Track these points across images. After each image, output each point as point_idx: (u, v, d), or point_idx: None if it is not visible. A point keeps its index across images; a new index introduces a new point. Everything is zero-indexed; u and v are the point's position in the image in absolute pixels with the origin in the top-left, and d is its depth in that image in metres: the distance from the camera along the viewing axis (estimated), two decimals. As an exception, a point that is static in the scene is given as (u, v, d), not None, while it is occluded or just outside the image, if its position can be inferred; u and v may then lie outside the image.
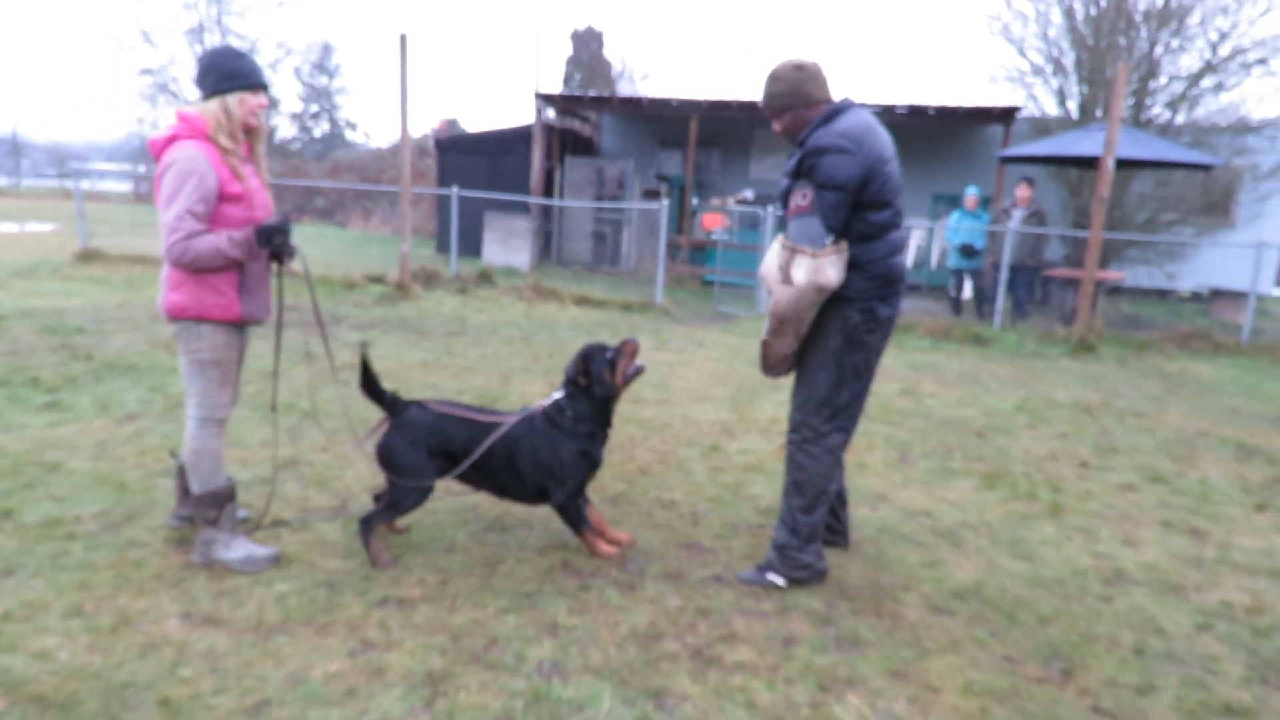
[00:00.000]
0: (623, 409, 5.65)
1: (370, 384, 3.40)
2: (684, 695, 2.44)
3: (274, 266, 3.27)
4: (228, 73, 3.00)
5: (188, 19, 37.38)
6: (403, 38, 9.92)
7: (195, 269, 2.96)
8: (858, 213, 2.99)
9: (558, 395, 3.39)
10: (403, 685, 2.41)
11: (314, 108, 43.48)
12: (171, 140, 2.96)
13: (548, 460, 3.26)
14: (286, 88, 43.17)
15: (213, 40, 37.71)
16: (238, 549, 3.13)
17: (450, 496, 3.93)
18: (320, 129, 44.06)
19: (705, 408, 5.86)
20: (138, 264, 11.67)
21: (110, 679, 2.39)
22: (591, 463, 3.35)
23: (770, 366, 3.29)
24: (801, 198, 2.99)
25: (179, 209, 2.86)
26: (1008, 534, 3.82)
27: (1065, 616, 3.05)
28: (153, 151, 3.00)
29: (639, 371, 3.35)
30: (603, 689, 2.44)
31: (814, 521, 3.21)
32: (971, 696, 2.51)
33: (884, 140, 3.05)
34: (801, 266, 2.94)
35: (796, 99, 3.09)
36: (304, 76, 42.54)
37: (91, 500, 3.64)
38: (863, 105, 3.12)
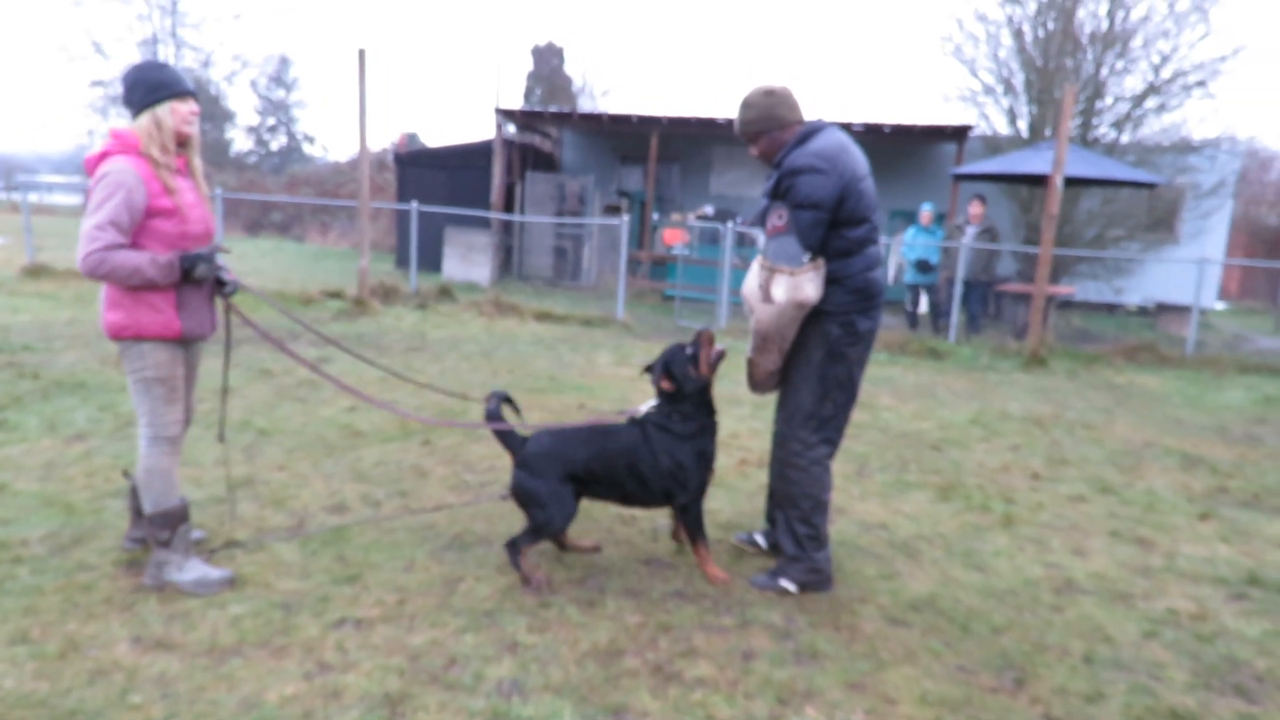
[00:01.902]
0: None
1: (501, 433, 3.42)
2: (644, 712, 2.45)
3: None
4: (154, 85, 2.96)
5: (141, 30, 36.74)
6: (361, 52, 9.88)
7: (112, 283, 2.90)
8: (835, 229, 3.09)
9: (653, 403, 3.41)
10: (360, 707, 2.39)
11: (271, 121, 42.97)
12: (103, 156, 2.92)
13: (668, 465, 3.27)
14: (243, 101, 42.72)
15: (167, 52, 37.23)
16: (190, 571, 3.07)
17: (408, 515, 3.90)
18: (277, 142, 43.54)
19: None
20: (87, 280, 11.45)
21: (58, 707, 2.33)
22: (708, 460, 3.36)
23: (757, 384, 3.41)
24: (778, 219, 3.09)
25: (100, 219, 2.80)
26: (962, 545, 3.89)
27: (1017, 626, 3.11)
28: (87, 168, 2.95)
29: (721, 356, 3.34)
30: (563, 707, 2.44)
31: (815, 529, 3.29)
32: (927, 707, 2.55)
33: (858, 158, 3.16)
34: (781, 285, 3.06)
35: (770, 123, 3.20)
36: (260, 90, 42.06)
37: (38, 522, 3.55)
38: (833, 127, 3.24)
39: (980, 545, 3.91)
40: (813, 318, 3.15)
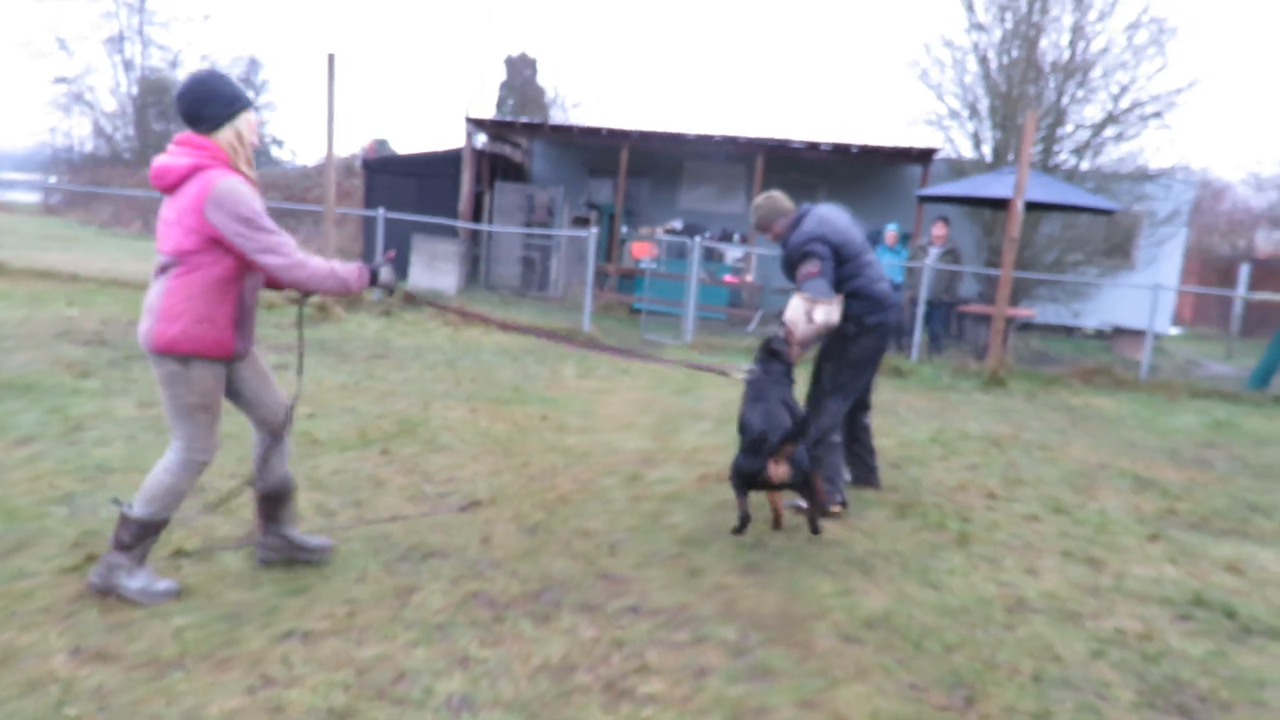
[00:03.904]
0: (546, 436, 5.63)
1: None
2: (594, 728, 2.42)
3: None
4: (230, 97, 2.92)
5: (107, 28, 36.12)
6: (331, 57, 9.80)
7: (308, 288, 2.98)
8: (842, 266, 4.49)
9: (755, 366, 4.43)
10: (304, 722, 2.34)
11: (239, 123, 42.36)
12: (197, 169, 2.83)
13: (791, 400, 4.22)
14: (210, 102, 42.01)
15: (134, 50, 36.64)
16: (138, 578, 2.99)
17: (363, 525, 3.84)
18: (245, 145, 42.91)
19: (628, 436, 5.86)
20: (43, 279, 11.20)
21: (-14, 720, 2.25)
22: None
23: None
24: (812, 266, 4.41)
25: (278, 234, 2.84)
26: (917, 563, 3.91)
27: (969, 644, 3.13)
28: (167, 177, 2.84)
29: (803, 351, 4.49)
30: (512, 723, 2.40)
31: (832, 464, 4.59)
32: (877, 725, 2.55)
33: (836, 218, 4.60)
34: (821, 311, 4.37)
35: (775, 214, 4.71)
36: (228, 91, 41.45)
37: (-23, 528, 3.44)
38: (813, 205, 4.71)
39: (935, 563, 3.93)
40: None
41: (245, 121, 2.94)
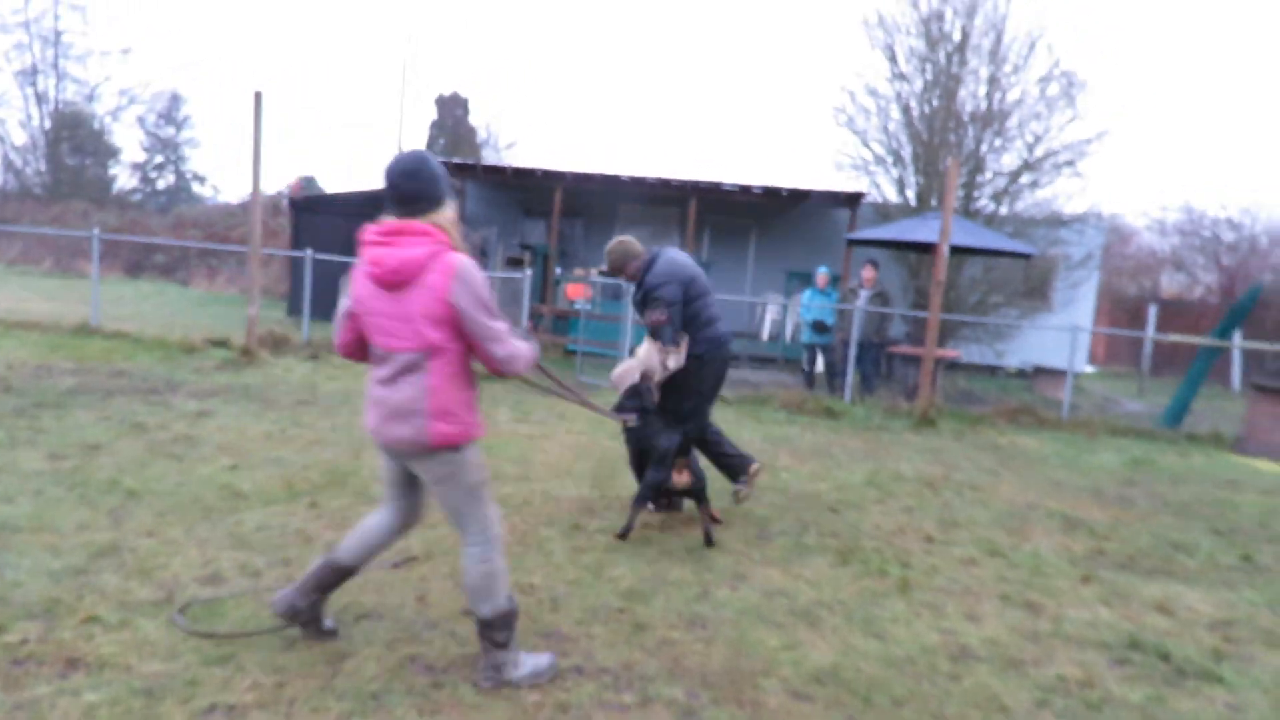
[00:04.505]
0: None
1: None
2: (541, 803, 2.31)
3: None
4: (446, 174, 2.85)
5: (19, 60, 34.89)
6: (258, 95, 9.60)
7: (511, 375, 2.89)
8: (689, 305, 4.99)
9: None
10: (228, 810, 2.17)
11: (158, 159, 41.25)
12: (434, 256, 2.70)
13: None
14: (128, 136, 40.94)
15: (48, 84, 35.49)
16: (525, 666, 2.99)
17: (289, 582, 3.65)
18: (164, 181, 41.78)
19: (566, 483, 5.77)
20: None
21: None
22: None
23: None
24: (661, 314, 4.87)
25: (503, 321, 2.80)
26: (861, 612, 3.90)
27: (917, 697, 3.11)
28: (405, 272, 2.68)
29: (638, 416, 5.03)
30: (454, 801, 2.28)
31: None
32: (831, 787, 2.50)
33: (684, 260, 5.10)
34: (673, 359, 4.89)
35: (628, 258, 5.12)
36: (149, 126, 40.39)
37: None
38: (663, 249, 5.17)
39: (879, 611, 3.93)
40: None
41: (452, 206, 2.87)
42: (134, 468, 5.15)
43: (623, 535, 4.65)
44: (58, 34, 35.43)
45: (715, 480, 5.24)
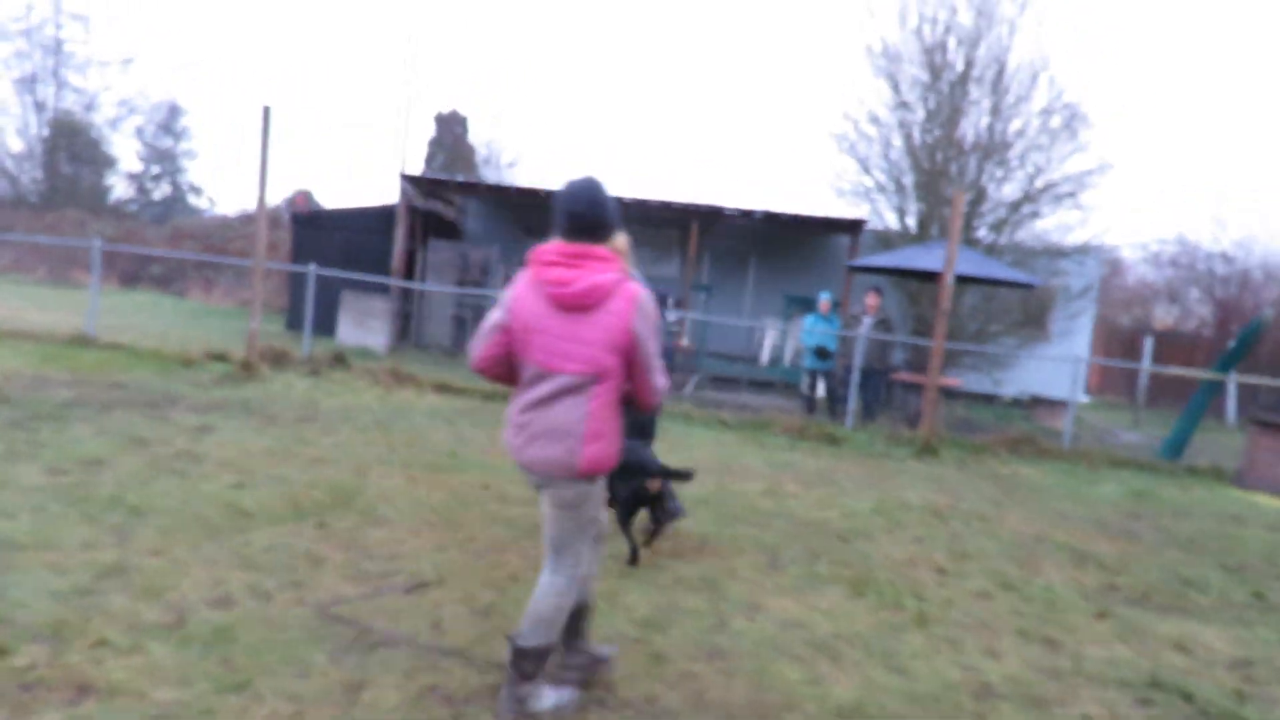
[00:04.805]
0: (489, 508, 5.43)
1: None
2: (571, 844, 2.25)
3: None
4: (616, 201, 2.88)
5: (19, 67, 34.85)
6: (266, 109, 9.59)
7: (655, 405, 2.92)
8: None
9: None
10: (250, 847, 2.10)
11: (155, 169, 41.15)
12: (622, 280, 2.75)
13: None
14: (125, 146, 40.86)
15: (48, 92, 35.44)
16: (548, 699, 2.93)
17: (303, 607, 3.59)
18: (161, 191, 41.68)
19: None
20: None
21: None
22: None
23: None
24: None
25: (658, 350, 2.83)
26: (880, 646, 3.85)
27: (944, 735, 3.06)
28: (593, 295, 2.70)
29: None
30: (482, 841, 2.21)
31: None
32: (865, 830, 2.44)
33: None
34: None
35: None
36: (147, 137, 40.33)
37: None
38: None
39: (898, 645, 3.88)
40: None
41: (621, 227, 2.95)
42: (136, 484, 5.07)
43: (632, 561, 4.61)
44: (59, 43, 35.49)
45: (733, 510, 5.19)
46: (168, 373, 9.27)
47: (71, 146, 35.28)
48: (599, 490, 2.91)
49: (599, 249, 2.76)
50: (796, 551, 5.20)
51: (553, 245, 2.78)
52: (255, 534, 4.45)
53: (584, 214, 2.76)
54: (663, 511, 4.88)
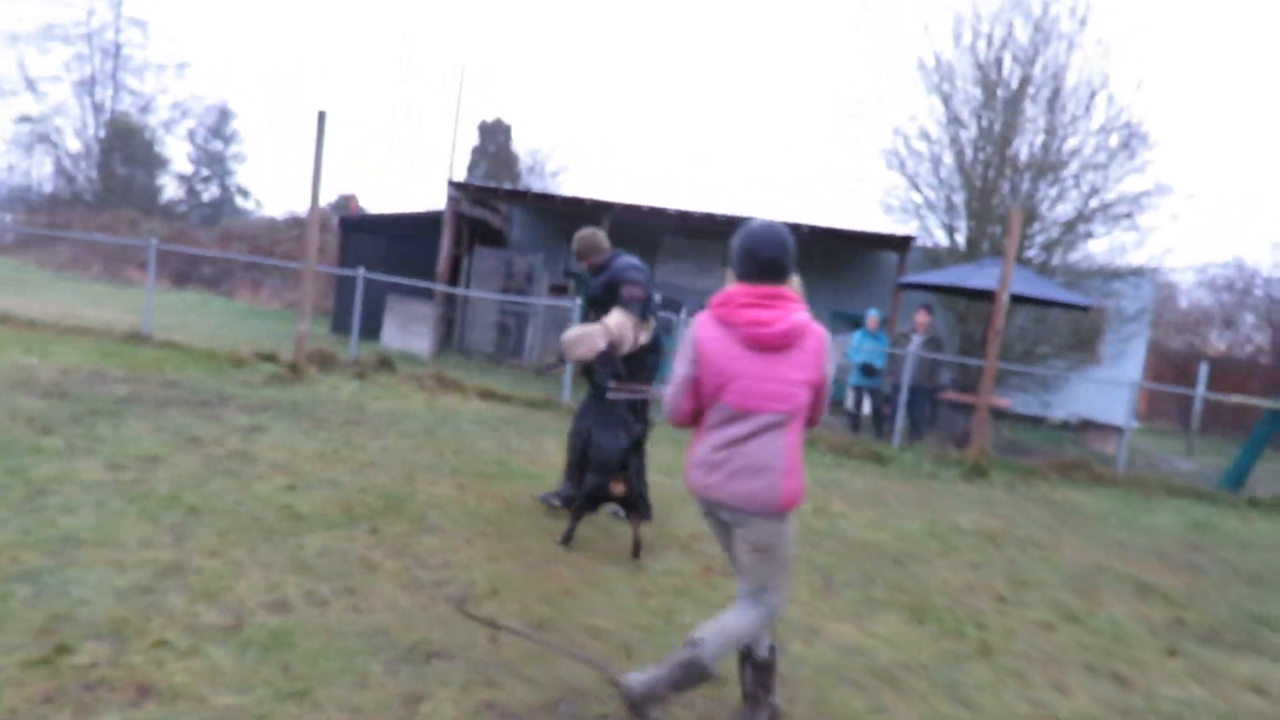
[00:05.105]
0: (539, 518, 5.38)
1: None
2: None
3: None
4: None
5: (79, 70, 35.80)
6: (321, 114, 9.70)
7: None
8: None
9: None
10: None
11: (205, 171, 41.99)
12: (809, 319, 2.86)
13: None
14: (177, 147, 41.76)
15: (105, 95, 36.33)
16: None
17: (356, 613, 3.56)
18: (209, 193, 42.51)
19: (621, 520, 5.64)
20: (-2, 322, 10.71)
21: None
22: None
23: (578, 358, 5.22)
24: (639, 291, 5.28)
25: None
26: (944, 676, 3.73)
27: (1017, 775, 2.94)
28: (793, 335, 2.80)
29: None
30: None
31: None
32: None
33: (644, 267, 5.51)
34: (645, 332, 5.38)
35: (598, 248, 5.60)
36: (198, 139, 41.19)
37: (-69, 609, 3.10)
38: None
39: (962, 676, 3.76)
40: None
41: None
42: (193, 483, 5.10)
43: (565, 541, 4.86)
44: (118, 46, 36.40)
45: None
46: (219, 372, 9.38)
47: (126, 147, 36.16)
48: (791, 526, 2.93)
49: (786, 290, 2.85)
50: (851, 574, 5.08)
51: (740, 289, 2.84)
52: (309, 537, 4.44)
53: (775, 258, 2.84)
54: (637, 515, 4.90)
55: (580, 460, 5.09)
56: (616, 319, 5.19)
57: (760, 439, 2.80)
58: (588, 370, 5.28)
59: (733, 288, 2.86)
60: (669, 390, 2.92)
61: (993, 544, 6.32)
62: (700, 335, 2.85)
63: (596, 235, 5.62)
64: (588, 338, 5.11)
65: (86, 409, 6.66)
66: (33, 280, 19.50)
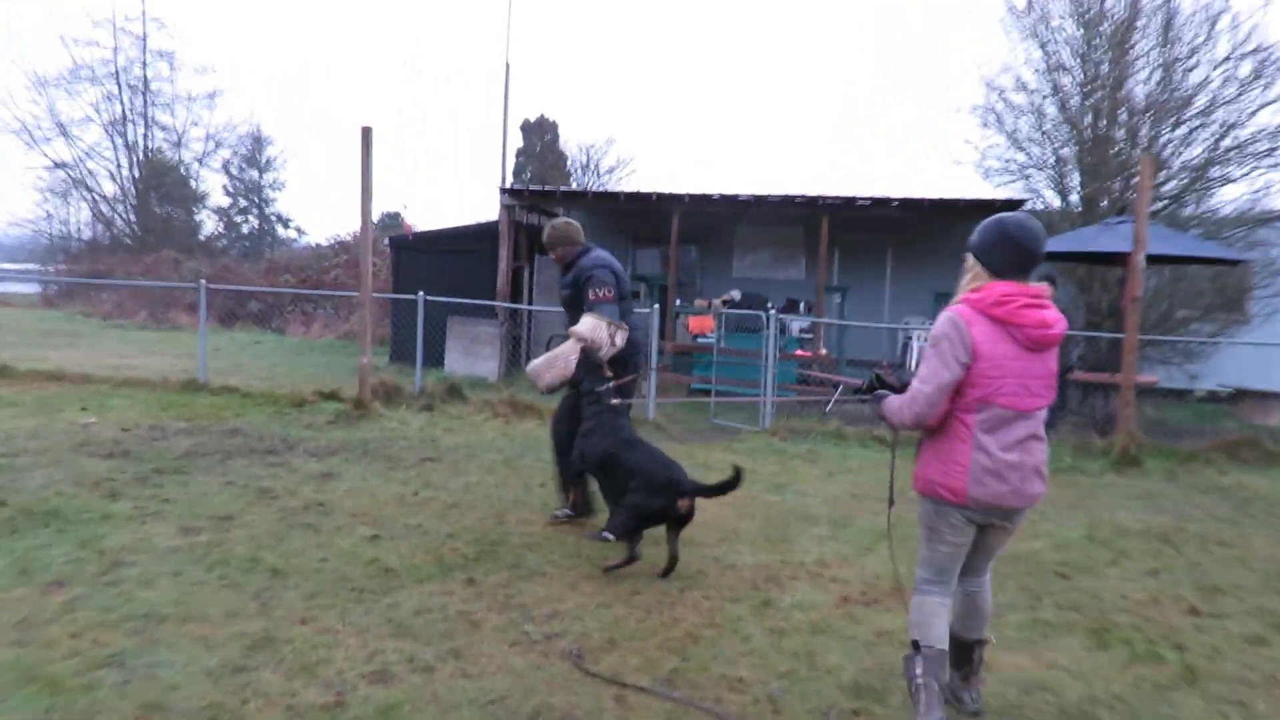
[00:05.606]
0: (648, 555, 5.19)
1: None
2: None
3: None
4: None
5: (109, 111, 37.26)
6: (366, 130, 9.75)
7: None
8: (620, 304, 5.51)
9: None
10: None
11: (242, 202, 43.27)
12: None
13: None
14: (212, 181, 43.18)
15: (137, 133, 37.65)
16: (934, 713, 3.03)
17: (466, 679, 3.44)
18: (248, 224, 43.78)
19: (738, 548, 5.45)
20: (51, 381, 11.06)
21: None
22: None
23: (549, 386, 5.43)
24: (607, 291, 5.40)
25: None
26: (1149, 711, 3.44)
27: (1272, 833, 2.65)
28: (1063, 330, 3.04)
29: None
30: None
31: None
32: None
33: (616, 262, 5.66)
34: (621, 335, 5.43)
35: (570, 240, 5.70)
36: (233, 169, 42.49)
37: (17, 705, 3.08)
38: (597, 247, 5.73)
39: (1171, 711, 3.45)
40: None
41: None
42: (271, 541, 5.08)
43: (615, 568, 4.85)
44: (146, 82, 37.77)
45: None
46: (281, 415, 9.49)
47: (162, 186, 37.47)
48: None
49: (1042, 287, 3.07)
50: (1011, 593, 4.79)
51: (1013, 287, 2.96)
52: (402, 594, 4.36)
53: (1039, 255, 3.02)
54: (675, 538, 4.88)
55: (611, 488, 5.13)
56: (588, 323, 5.31)
57: (1037, 436, 3.02)
58: (575, 385, 5.41)
59: (1000, 285, 2.96)
60: (924, 390, 2.98)
61: (1168, 545, 5.93)
62: (977, 336, 2.93)
63: (570, 225, 5.72)
64: (556, 361, 5.29)
65: (151, 467, 6.76)
66: (81, 331, 20.25)
